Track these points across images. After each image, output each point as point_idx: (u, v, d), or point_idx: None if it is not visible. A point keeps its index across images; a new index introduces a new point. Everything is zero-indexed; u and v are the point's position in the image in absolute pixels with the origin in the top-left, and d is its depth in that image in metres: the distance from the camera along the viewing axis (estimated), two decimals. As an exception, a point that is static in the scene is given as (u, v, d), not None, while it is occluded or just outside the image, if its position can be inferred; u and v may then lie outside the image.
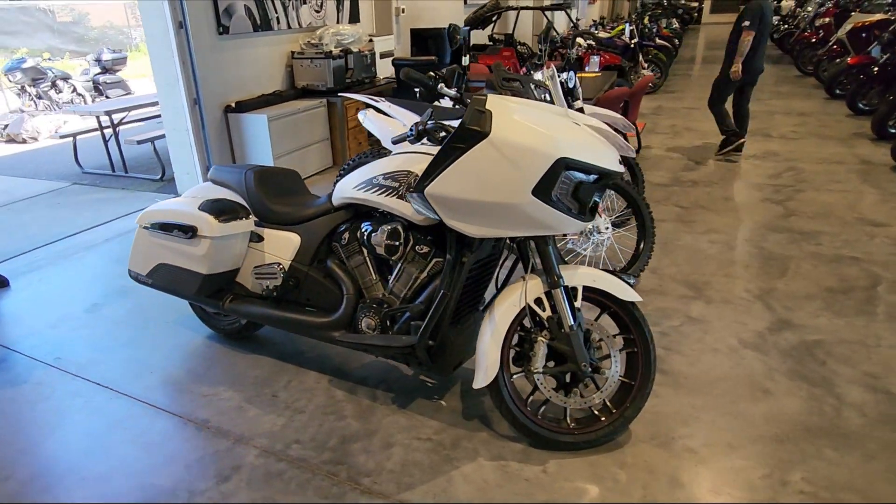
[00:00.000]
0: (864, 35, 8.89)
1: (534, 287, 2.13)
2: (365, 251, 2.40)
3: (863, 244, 3.91)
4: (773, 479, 2.08)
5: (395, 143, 2.13)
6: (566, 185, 1.91)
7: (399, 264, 2.30)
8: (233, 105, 5.21)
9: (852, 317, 3.06)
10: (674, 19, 15.88)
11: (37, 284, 3.71)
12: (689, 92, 10.36)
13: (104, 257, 4.11)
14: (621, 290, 2.14)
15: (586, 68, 8.29)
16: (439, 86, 1.86)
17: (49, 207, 5.24)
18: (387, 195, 2.21)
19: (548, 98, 2.37)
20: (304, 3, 5.97)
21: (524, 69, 3.39)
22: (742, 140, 5.97)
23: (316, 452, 2.26)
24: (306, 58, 5.80)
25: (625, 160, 4.29)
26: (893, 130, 6.31)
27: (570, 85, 3.94)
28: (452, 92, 1.90)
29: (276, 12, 5.63)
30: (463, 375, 2.68)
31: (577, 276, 2.14)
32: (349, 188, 2.34)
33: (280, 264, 2.53)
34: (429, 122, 2.01)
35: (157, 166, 6.27)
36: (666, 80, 11.00)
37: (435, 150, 2.09)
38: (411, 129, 2.04)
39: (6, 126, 8.24)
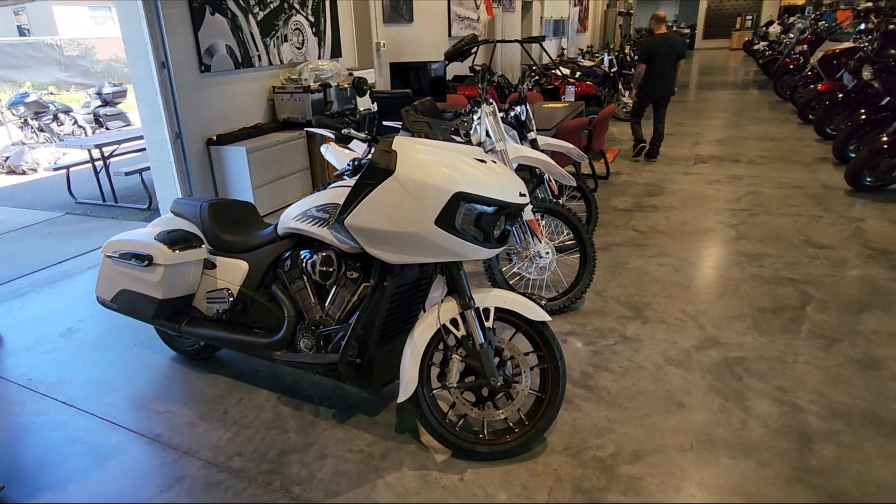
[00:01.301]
0: (834, 62, 9.14)
1: (449, 309, 2.30)
2: (305, 277, 2.58)
3: (803, 266, 4.07)
4: (668, 486, 2.23)
5: (336, 176, 2.34)
6: (468, 216, 2.10)
7: (333, 288, 2.48)
8: (214, 138, 5.46)
9: (776, 335, 3.22)
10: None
11: (18, 311, 3.92)
12: (671, 118, 10.57)
13: (84, 284, 4.33)
14: (531, 310, 2.31)
15: (563, 98, 8.56)
16: (346, 130, 2.07)
17: (40, 237, 5.47)
18: (319, 225, 2.40)
19: (462, 138, 2.58)
20: (286, 40, 6.26)
21: (467, 105, 3.60)
22: (643, 145, 7.43)
23: (255, 464, 2.43)
24: (286, 91, 6.07)
25: (579, 188, 4.50)
26: (853, 155, 6.51)
27: (523, 117, 4.16)
28: (363, 135, 2.10)
29: (258, 50, 5.91)
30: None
31: (490, 298, 2.31)
32: (290, 219, 2.53)
33: (229, 289, 2.72)
34: (364, 159, 2.21)
35: (144, 196, 6.52)
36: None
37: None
38: (349, 164, 2.24)
39: (7, 158, 8.54)
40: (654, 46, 6.81)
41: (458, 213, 2.05)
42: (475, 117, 3.50)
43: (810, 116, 9.12)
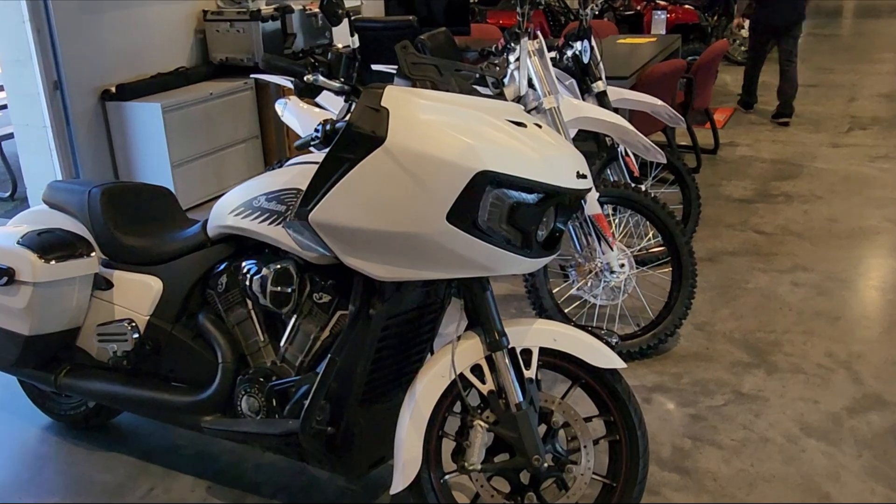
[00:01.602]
0: None
1: (469, 350, 2.27)
2: (249, 302, 2.57)
3: None
4: None
5: (298, 147, 2.35)
6: (499, 208, 2.08)
7: (293, 319, 2.46)
8: (113, 90, 5.51)
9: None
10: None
11: None
12: (814, 60, 10.51)
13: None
14: (595, 353, 2.28)
15: (651, 31, 8.57)
16: (312, 77, 2.07)
17: None
18: (271, 223, 2.39)
19: (491, 90, 2.56)
20: (224, -57, 6.32)
21: (500, 41, 3.60)
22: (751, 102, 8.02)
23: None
24: (224, 20, 6.11)
25: (672, 167, 4.48)
26: None
27: (586, 59, 4.16)
28: (336, 84, 2.09)
29: (182, -41, 5.98)
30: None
31: (532, 334, 2.28)
32: (226, 213, 2.52)
33: (133, 321, 2.72)
34: (340, 121, 2.18)
35: (5, 179, 6.57)
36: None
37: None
38: (317, 129, 2.24)
39: None
40: None
41: (482, 202, 2.03)
42: (512, 58, 3.50)
43: None
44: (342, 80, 2.15)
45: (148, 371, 2.76)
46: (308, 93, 2.15)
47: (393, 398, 2.52)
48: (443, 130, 2.03)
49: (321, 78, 2.12)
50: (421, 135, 2.03)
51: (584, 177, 2.21)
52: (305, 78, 2.10)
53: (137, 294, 2.75)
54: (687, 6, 9.24)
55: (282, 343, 2.51)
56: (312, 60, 2.11)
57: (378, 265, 2.15)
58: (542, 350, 2.31)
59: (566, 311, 3.67)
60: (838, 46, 11.78)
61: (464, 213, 2.03)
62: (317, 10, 6.61)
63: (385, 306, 2.29)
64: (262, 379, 2.51)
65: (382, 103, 2.07)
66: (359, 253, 2.15)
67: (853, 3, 18.27)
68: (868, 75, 9.51)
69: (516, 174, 2.05)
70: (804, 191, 5.60)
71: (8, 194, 6.25)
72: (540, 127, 2.25)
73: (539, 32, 3.58)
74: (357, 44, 2.16)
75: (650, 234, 4.19)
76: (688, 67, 5.75)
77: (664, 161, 3.90)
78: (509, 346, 2.26)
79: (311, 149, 2.37)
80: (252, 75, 4.17)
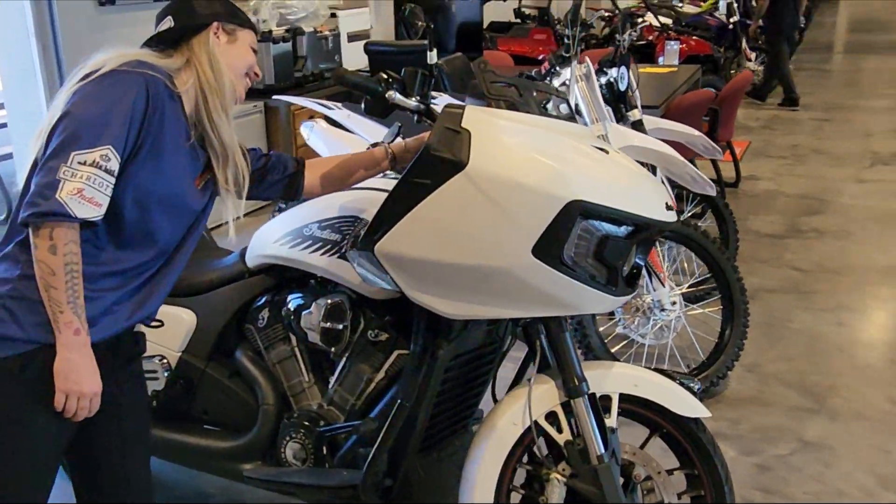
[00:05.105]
0: None
1: (544, 395, 2.14)
2: (293, 338, 2.44)
3: None
4: None
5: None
6: (588, 241, 1.95)
7: (344, 359, 2.33)
8: (123, 111, 5.35)
9: None
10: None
11: None
12: (819, 94, 10.55)
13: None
14: (679, 400, 2.15)
15: (660, 60, 8.50)
16: (389, 94, 1.92)
17: None
18: (325, 253, 2.26)
19: (565, 112, 2.44)
20: (234, -37, 6.22)
21: (545, 64, 3.49)
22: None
23: None
24: (235, 43, 5.99)
25: (708, 201, 4.37)
26: None
27: (623, 87, 4.04)
28: (413, 102, 1.95)
29: (192, -23, 5.86)
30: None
31: (611, 378, 2.16)
32: (269, 242, 2.40)
33: (164, 358, 2.57)
34: (388, 142, 2.07)
35: (0, 201, 6.39)
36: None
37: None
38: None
39: None
40: None
41: (571, 235, 1.90)
42: (556, 82, 3.39)
43: None
44: (417, 98, 2.01)
45: (179, 412, 2.60)
46: (378, 111, 2.00)
47: (447, 446, 2.40)
48: (530, 155, 1.91)
49: (398, 96, 1.98)
50: (506, 160, 1.90)
51: (671, 209, 2.08)
52: (388, 94, 1.95)
53: (168, 328, 2.58)
54: (696, 37, 9.20)
55: (330, 384, 2.38)
56: (385, 77, 1.97)
57: (449, 301, 2.01)
58: (623, 397, 2.17)
59: (614, 350, 3.53)
60: (842, 82, 11.83)
61: (551, 246, 1.90)
62: (327, 32, 6.53)
63: (451, 346, 2.16)
64: (307, 423, 2.37)
65: (463, 124, 1.92)
66: (428, 288, 2.01)
67: (845, 37, 18.53)
68: (878, 111, 9.53)
69: (609, 204, 1.93)
70: (834, 227, 5.54)
71: (3, 216, 6.05)
72: (618, 153, 2.15)
73: (588, 58, 3.46)
74: (435, 59, 2.01)
75: (695, 271, 4.06)
76: (714, 97, 5.67)
77: (713, 193, 3.79)
78: (590, 392, 2.11)
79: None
80: (275, 97, 4.02)
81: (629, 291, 2.09)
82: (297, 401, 2.42)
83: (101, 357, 1.77)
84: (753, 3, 11.64)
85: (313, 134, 3.80)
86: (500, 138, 1.92)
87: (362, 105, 2.02)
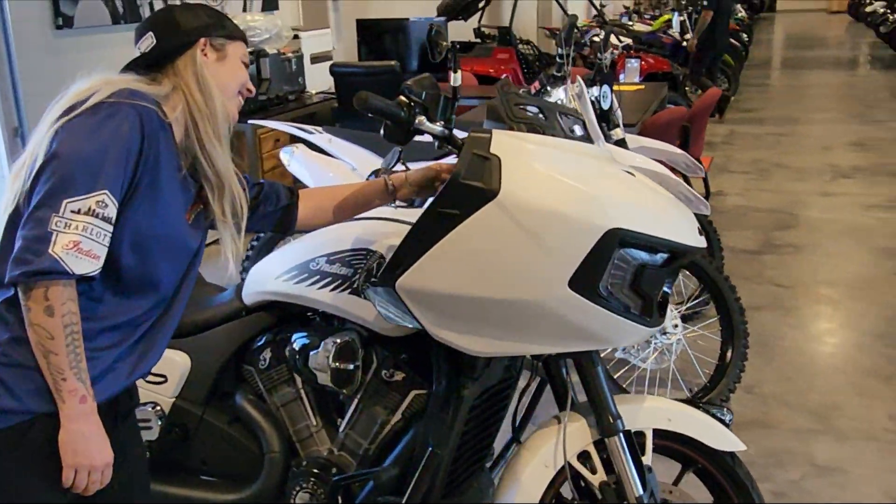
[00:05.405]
0: None
1: (577, 433, 2.06)
2: (299, 379, 2.32)
3: None
4: None
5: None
6: (625, 270, 1.87)
7: (356, 401, 2.23)
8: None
9: None
10: (738, 5, 16.61)
11: None
12: (771, 109, 10.70)
13: None
14: (714, 434, 2.09)
15: (620, 77, 8.51)
16: (419, 119, 1.81)
17: None
18: (335, 289, 2.16)
19: (579, 132, 2.36)
20: (194, -16, 6.09)
21: (536, 83, 3.41)
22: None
23: None
24: (196, 66, 5.86)
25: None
26: None
27: (605, 105, 3.99)
28: (438, 128, 1.84)
29: (149, -3, 5.72)
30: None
31: (643, 412, 2.09)
32: (271, 278, 2.29)
33: (156, 405, 2.43)
34: (386, 171, 1.99)
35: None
36: (736, 92, 11.36)
37: (414, 214, 2.04)
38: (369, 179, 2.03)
39: None
40: None
41: (608, 265, 1.81)
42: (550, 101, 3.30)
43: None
44: (441, 124, 1.90)
45: (176, 463, 2.45)
46: (399, 137, 1.88)
47: (467, 489, 2.29)
48: (564, 182, 1.83)
49: (427, 122, 1.86)
50: (539, 187, 1.81)
51: (702, 233, 2.02)
52: (417, 121, 1.83)
53: (161, 372, 2.44)
54: (654, 55, 9.27)
55: (341, 429, 2.26)
56: (406, 100, 1.85)
57: (476, 338, 1.92)
58: (656, 432, 2.10)
59: (615, 375, 3.46)
60: (790, 97, 12.03)
61: (588, 277, 1.82)
62: (290, 54, 6.41)
63: (476, 385, 2.07)
64: (318, 471, 2.24)
65: (492, 150, 1.82)
66: (453, 324, 1.91)
67: (782, 53, 18.99)
68: (829, 123, 9.72)
69: (647, 232, 1.86)
70: (809, 241, 5.61)
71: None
72: (643, 176, 2.07)
73: (578, 77, 3.39)
74: (459, 82, 1.89)
75: (692, 291, 4.01)
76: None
77: (708, 212, 3.74)
78: (625, 430, 2.02)
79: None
80: (250, 121, 3.90)
81: (661, 322, 2.01)
82: (305, 447, 2.29)
83: (101, 419, 1.61)
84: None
85: (294, 160, 3.69)
86: (531, 164, 1.83)
87: (381, 131, 1.90)
